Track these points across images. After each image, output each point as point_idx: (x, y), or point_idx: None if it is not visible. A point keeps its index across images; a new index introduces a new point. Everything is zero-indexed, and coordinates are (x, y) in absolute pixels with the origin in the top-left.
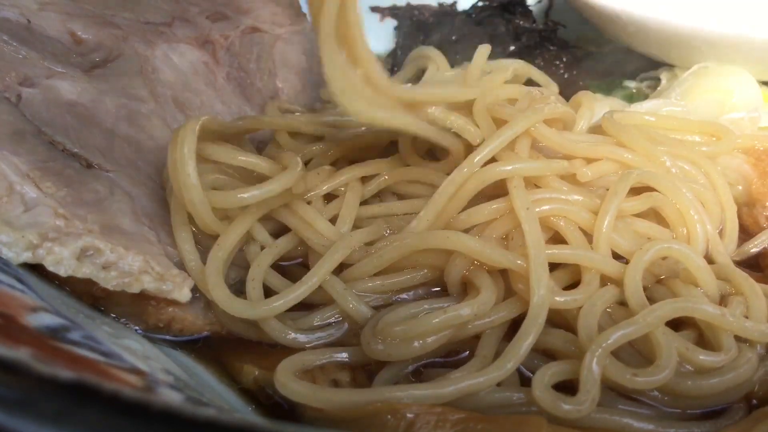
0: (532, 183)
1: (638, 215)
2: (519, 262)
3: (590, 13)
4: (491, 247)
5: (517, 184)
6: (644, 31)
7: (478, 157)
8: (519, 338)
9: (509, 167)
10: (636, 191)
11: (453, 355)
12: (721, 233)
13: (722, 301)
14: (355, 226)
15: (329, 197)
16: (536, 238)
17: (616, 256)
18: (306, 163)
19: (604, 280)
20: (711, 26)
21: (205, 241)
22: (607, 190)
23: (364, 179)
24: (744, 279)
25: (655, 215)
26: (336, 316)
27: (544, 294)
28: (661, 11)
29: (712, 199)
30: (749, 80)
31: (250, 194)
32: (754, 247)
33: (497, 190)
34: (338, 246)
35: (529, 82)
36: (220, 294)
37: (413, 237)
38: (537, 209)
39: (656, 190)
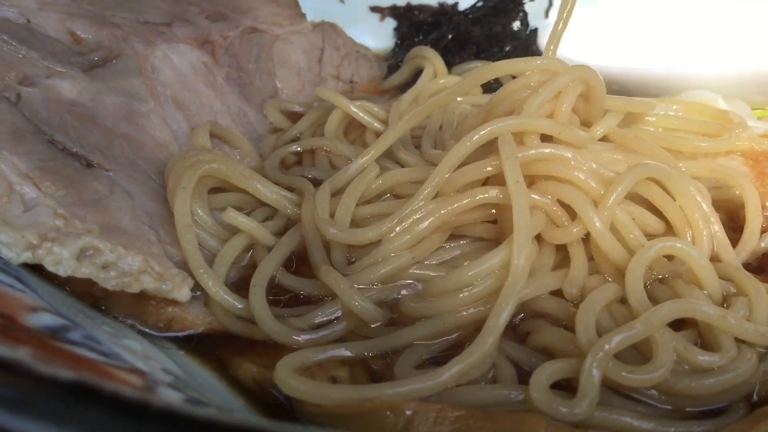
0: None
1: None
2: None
3: None
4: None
5: (508, 156)
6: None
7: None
8: (497, 310)
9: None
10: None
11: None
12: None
13: (725, 300)
14: (355, 226)
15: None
16: (523, 210)
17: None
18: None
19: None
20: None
21: (206, 242)
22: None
23: None
24: (748, 279)
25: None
26: (337, 312)
27: (523, 263)
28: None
29: None
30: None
31: None
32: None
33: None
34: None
35: None
36: (267, 322)
37: (441, 203)
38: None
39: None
